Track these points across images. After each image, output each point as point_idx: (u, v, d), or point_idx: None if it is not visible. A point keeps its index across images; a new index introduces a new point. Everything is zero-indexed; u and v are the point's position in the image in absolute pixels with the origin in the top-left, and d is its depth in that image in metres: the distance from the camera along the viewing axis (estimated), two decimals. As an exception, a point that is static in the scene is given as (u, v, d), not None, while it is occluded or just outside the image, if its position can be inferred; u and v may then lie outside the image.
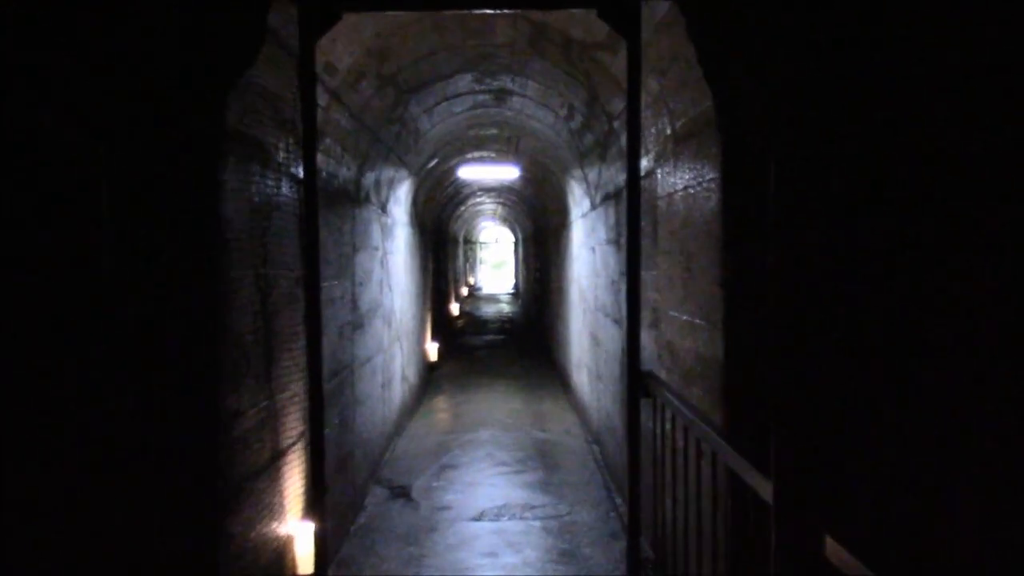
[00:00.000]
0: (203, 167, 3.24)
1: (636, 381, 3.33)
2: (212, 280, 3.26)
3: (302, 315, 4.81)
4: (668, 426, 3.12)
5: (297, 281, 4.49)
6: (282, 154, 4.10)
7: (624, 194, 6.31)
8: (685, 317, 4.19)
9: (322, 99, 4.96)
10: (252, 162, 3.67)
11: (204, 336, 3.24)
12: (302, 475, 4.83)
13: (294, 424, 4.46)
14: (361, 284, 6.90)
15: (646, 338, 4.95)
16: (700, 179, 3.87)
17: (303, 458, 4.85)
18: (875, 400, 2.50)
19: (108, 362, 2.57)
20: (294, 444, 4.49)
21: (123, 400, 2.65)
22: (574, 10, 4.19)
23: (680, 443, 3.01)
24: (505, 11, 4.37)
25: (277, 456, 4.21)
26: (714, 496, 2.80)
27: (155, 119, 2.98)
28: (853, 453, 2.36)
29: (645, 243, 4.86)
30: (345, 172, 6.06)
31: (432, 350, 13.59)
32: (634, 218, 3.37)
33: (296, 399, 4.48)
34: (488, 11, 4.17)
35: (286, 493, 4.39)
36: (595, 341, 8.58)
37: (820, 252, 2.30)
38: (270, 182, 3.93)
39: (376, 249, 7.74)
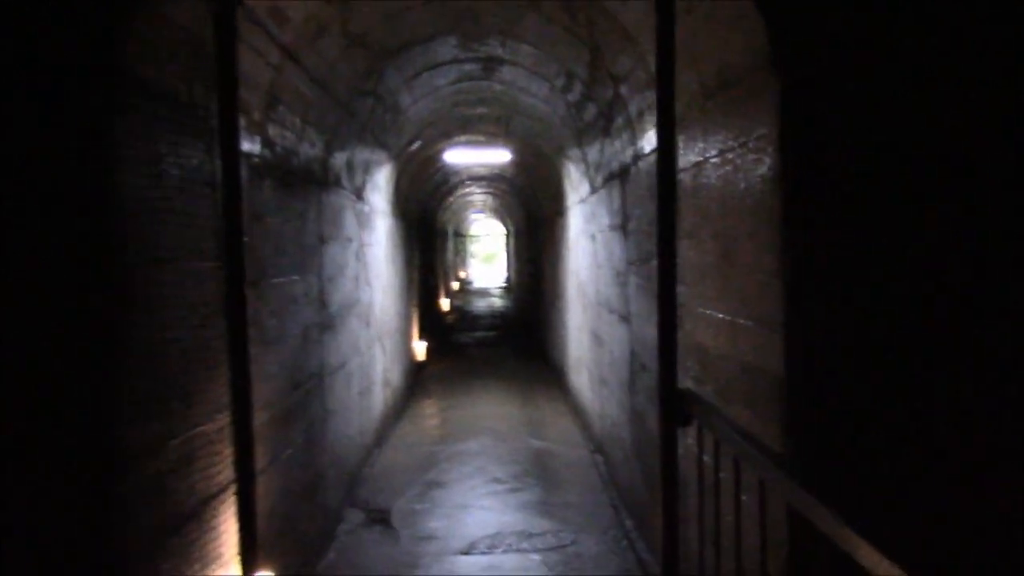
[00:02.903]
0: (90, 124, 2.38)
1: (673, 404, 2.46)
2: (104, 273, 2.40)
3: (249, 318, 3.94)
4: (721, 472, 2.25)
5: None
6: (211, 116, 3.22)
7: (632, 170, 5.46)
8: (722, 315, 3.34)
9: (272, 56, 4.08)
10: (162, 122, 2.79)
11: (96, 348, 2.39)
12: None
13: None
14: (331, 279, 6.02)
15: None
16: (743, 140, 3.01)
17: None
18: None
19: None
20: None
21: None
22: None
23: (748, 499, 2.17)
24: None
25: (214, 495, 3.36)
26: None
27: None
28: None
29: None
30: (308, 149, 5.19)
31: (419, 349, 12.74)
32: (668, 185, 2.50)
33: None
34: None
35: (226, 539, 3.54)
36: (597, 340, 7.72)
37: None
38: (192, 151, 3.06)
39: (351, 240, 6.87)
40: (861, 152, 2.50)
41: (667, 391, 2.46)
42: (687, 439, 3.64)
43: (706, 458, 2.50)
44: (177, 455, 3.04)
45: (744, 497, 2.09)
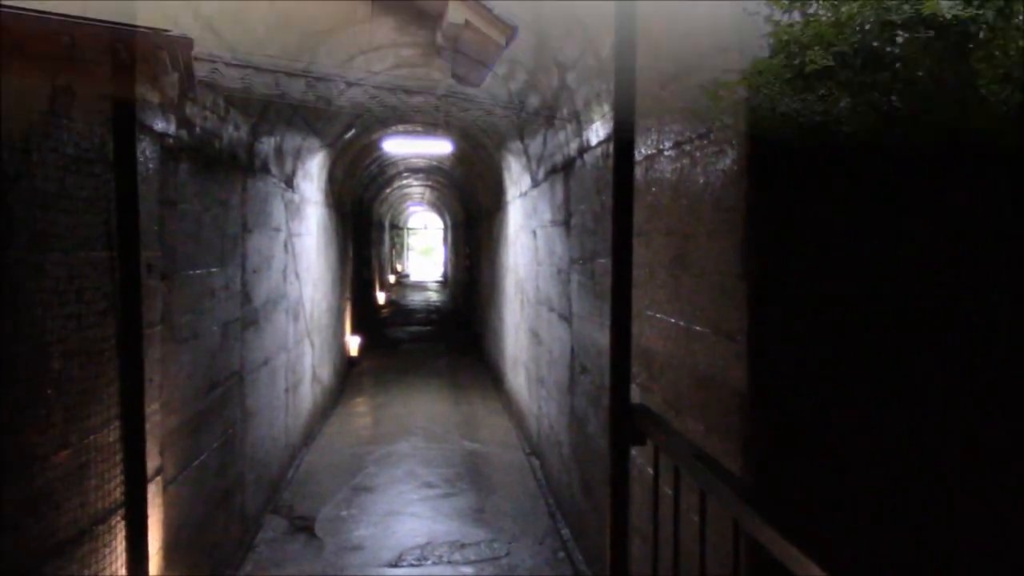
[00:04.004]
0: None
1: (625, 421, 2.21)
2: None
3: (159, 313, 3.59)
4: (668, 492, 2.00)
5: (150, 268, 3.28)
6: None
7: (577, 164, 5.20)
8: (674, 320, 3.11)
9: (192, 29, 3.73)
10: (53, 96, 2.44)
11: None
12: (158, 524, 3.64)
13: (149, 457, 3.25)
14: (256, 271, 5.66)
15: (604, 340, 3.81)
16: (703, 130, 2.77)
17: (160, 500, 3.66)
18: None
19: None
20: (150, 479, 3.32)
21: None
22: None
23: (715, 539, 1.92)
24: None
25: (110, 509, 3.01)
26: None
27: None
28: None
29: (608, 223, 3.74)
30: (232, 132, 4.82)
31: (353, 344, 12.36)
32: (624, 174, 2.23)
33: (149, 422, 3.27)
34: None
35: (125, 557, 3.20)
36: (536, 339, 7.47)
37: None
38: (87, 127, 2.71)
39: (278, 230, 6.50)
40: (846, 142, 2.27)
41: (619, 407, 2.21)
42: (631, 450, 3.40)
43: (657, 478, 2.25)
44: (67, 467, 2.70)
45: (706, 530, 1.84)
